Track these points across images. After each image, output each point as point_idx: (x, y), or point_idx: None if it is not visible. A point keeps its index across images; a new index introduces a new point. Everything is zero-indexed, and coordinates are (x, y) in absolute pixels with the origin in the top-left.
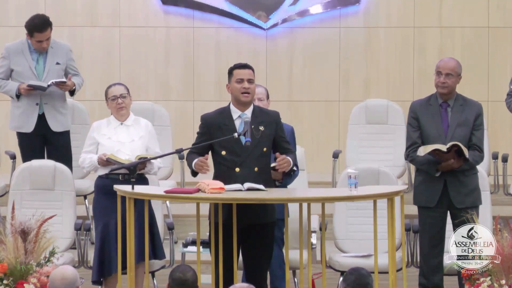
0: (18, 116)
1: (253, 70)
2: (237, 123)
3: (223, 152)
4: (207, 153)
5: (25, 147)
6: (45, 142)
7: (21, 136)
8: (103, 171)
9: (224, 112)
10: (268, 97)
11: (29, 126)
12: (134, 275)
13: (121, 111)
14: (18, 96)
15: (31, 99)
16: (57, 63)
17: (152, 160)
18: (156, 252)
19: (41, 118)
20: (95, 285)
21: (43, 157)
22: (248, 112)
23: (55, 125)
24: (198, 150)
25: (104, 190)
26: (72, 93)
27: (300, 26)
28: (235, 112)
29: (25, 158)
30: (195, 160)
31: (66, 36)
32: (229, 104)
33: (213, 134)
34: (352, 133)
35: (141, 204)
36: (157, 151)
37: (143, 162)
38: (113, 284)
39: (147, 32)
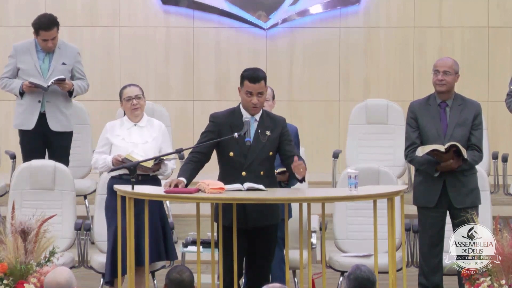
0: (20, 114)
1: (265, 80)
2: None
3: (231, 154)
4: (211, 153)
5: (26, 145)
6: (46, 142)
7: (23, 134)
8: (117, 172)
9: (235, 113)
10: (273, 97)
11: (30, 124)
12: (139, 275)
13: (135, 112)
14: (22, 93)
15: (34, 97)
16: (63, 63)
17: (166, 162)
18: (169, 253)
19: (42, 117)
20: (108, 285)
21: (43, 157)
22: (257, 117)
23: (55, 125)
24: (201, 149)
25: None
26: (70, 94)
27: (300, 26)
28: (245, 114)
29: (25, 158)
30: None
31: (66, 36)
32: (239, 105)
33: (222, 134)
34: (352, 133)
35: (153, 204)
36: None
37: (158, 163)
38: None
39: (147, 32)
